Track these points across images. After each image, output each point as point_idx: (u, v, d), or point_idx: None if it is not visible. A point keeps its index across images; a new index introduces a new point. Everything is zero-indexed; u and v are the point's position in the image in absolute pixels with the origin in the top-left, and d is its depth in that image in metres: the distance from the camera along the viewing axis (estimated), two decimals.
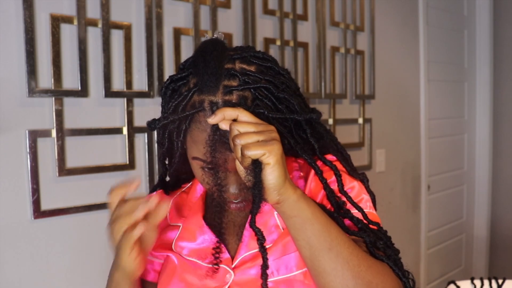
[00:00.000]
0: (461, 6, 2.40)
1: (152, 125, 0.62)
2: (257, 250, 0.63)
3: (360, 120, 1.79)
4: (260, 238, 0.55)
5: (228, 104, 0.56)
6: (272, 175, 0.50)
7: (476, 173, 2.58)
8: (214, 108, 0.56)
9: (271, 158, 0.49)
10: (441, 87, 2.29)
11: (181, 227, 0.69)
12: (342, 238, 0.54)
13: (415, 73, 2.09)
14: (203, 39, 0.63)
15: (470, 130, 2.53)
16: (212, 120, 0.53)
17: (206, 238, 0.66)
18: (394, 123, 1.98)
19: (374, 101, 1.85)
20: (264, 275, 0.56)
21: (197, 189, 0.72)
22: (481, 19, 2.47)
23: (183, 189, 0.75)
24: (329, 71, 1.64)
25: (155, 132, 1.16)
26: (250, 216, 0.56)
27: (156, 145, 1.20)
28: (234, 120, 0.53)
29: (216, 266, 0.63)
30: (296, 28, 1.51)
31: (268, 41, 1.43)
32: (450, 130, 2.39)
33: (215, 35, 0.62)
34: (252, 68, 0.59)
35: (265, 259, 0.56)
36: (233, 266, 0.64)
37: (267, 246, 0.62)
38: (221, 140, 0.56)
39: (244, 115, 0.53)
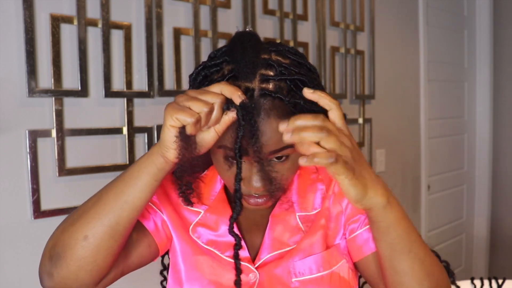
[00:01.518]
0: (461, 6, 2.40)
1: None
2: (280, 251, 0.65)
3: (360, 120, 1.79)
4: (237, 242, 0.58)
5: (265, 91, 0.55)
6: (350, 193, 0.50)
7: (476, 173, 2.58)
8: (247, 94, 0.55)
9: (347, 172, 0.49)
10: (441, 87, 2.29)
11: (202, 213, 0.68)
12: (419, 239, 0.57)
13: (415, 73, 2.09)
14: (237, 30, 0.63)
15: (470, 130, 2.53)
16: (283, 128, 0.51)
17: (228, 230, 0.65)
18: (394, 123, 1.98)
19: (374, 101, 1.85)
20: (236, 260, 0.59)
21: (218, 180, 0.71)
22: (481, 19, 2.47)
23: (198, 177, 0.73)
24: (329, 71, 1.64)
25: (155, 131, 1.19)
26: (272, 210, 0.57)
27: None
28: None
29: (238, 262, 0.63)
30: (296, 28, 1.51)
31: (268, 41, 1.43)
32: (450, 130, 2.39)
33: (248, 29, 0.63)
34: (287, 61, 0.59)
35: (237, 263, 0.59)
36: (256, 266, 0.64)
37: (288, 248, 0.65)
38: (252, 129, 0.54)
39: (336, 111, 0.53)
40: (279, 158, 0.59)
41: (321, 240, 0.65)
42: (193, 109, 0.52)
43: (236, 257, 0.60)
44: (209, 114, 0.52)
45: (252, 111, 0.54)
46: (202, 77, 0.60)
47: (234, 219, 0.57)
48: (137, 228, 0.64)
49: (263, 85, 0.56)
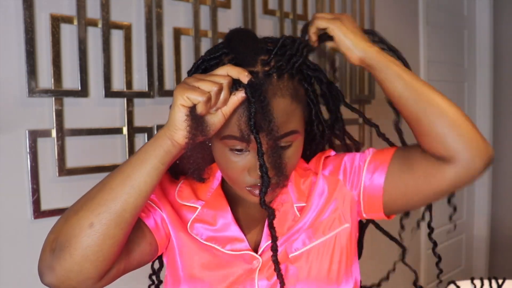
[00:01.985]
0: (461, 6, 2.40)
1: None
2: (280, 238, 0.66)
3: (360, 121, 1.79)
4: (271, 215, 0.59)
5: (268, 72, 0.59)
6: (342, 40, 0.62)
7: None
8: (254, 77, 0.57)
9: (334, 27, 0.62)
10: (441, 87, 2.22)
11: (199, 209, 0.68)
12: (429, 84, 0.63)
13: (415, 73, 2.09)
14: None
15: None
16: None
17: (226, 223, 0.67)
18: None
19: (374, 101, 1.85)
20: (274, 252, 0.59)
21: (216, 176, 0.72)
22: (481, 19, 2.47)
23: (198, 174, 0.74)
24: (329, 72, 1.64)
25: (155, 131, 1.19)
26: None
27: None
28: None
29: (240, 253, 0.65)
30: (296, 28, 1.51)
31: None
32: None
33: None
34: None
35: (273, 237, 0.59)
36: (259, 253, 0.66)
37: (290, 233, 0.66)
38: (262, 105, 0.56)
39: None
40: (283, 147, 0.61)
41: (313, 216, 0.67)
42: (203, 89, 0.53)
43: (271, 225, 0.60)
44: (219, 94, 0.54)
45: (260, 88, 0.55)
46: (202, 71, 0.62)
47: (264, 193, 0.58)
48: (138, 225, 0.64)
49: (266, 68, 0.58)
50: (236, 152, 0.59)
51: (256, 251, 0.66)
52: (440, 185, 0.62)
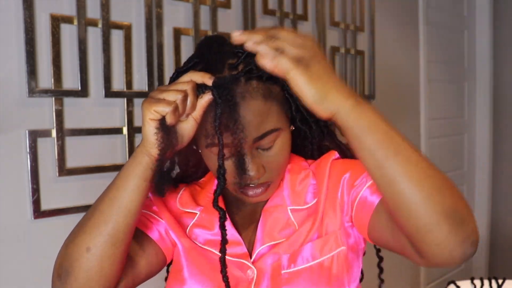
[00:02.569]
0: (461, 6, 2.40)
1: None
2: (270, 243, 0.65)
3: None
4: (222, 216, 0.58)
5: (235, 76, 0.56)
6: (305, 92, 0.48)
7: (476, 174, 2.57)
8: (220, 81, 0.56)
9: (292, 75, 0.48)
10: (441, 87, 2.28)
11: (198, 214, 0.69)
12: (407, 142, 0.50)
13: (415, 73, 2.09)
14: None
15: (470, 130, 2.53)
16: (237, 36, 0.52)
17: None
18: (394, 123, 1.88)
19: (374, 101, 1.85)
20: (222, 251, 0.58)
21: (214, 184, 0.72)
22: (481, 19, 2.46)
23: (196, 183, 0.75)
24: None
25: None
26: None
27: None
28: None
29: (235, 259, 0.64)
30: (296, 28, 1.51)
31: None
32: (450, 130, 2.38)
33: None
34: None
35: (223, 235, 0.58)
36: (252, 260, 0.65)
37: (280, 241, 0.64)
38: (230, 105, 0.55)
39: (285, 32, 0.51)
40: (264, 149, 0.60)
41: (311, 232, 0.65)
42: (168, 99, 0.53)
43: (223, 236, 0.59)
44: (185, 101, 0.54)
45: (227, 88, 0.55)
46: None
47: (218, 194, 0.57)
48: (142, 238, 0.66)
49: (233, 72, 0.57)
50: (227, 157, 0.59)
51: (251, 252, 0.66)
52: (417, 262, 0.55)
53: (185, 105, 0.54)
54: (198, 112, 0.56)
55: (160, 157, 0.55)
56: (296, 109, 0.64)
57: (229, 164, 0.60)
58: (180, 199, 0.71)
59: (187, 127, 0.57)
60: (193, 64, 0.61)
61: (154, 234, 0.67)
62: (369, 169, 0.51)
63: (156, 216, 0.69)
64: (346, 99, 0.49)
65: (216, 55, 0.58)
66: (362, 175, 0.63)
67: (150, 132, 0.54)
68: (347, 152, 0.71)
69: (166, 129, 0.54)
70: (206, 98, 0.56)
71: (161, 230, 0.68)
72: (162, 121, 0.54)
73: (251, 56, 0.54)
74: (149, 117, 0.53)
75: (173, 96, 0.53)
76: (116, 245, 0.57)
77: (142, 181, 0.57)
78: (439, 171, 0.51)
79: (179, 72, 0.62)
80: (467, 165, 2.53)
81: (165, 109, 0.52)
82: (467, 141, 2.51)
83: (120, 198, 0.57)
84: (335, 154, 0.69)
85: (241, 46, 0.56)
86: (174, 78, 0.63)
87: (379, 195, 0.60)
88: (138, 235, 0.65)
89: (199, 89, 0.56)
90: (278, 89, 0.61)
